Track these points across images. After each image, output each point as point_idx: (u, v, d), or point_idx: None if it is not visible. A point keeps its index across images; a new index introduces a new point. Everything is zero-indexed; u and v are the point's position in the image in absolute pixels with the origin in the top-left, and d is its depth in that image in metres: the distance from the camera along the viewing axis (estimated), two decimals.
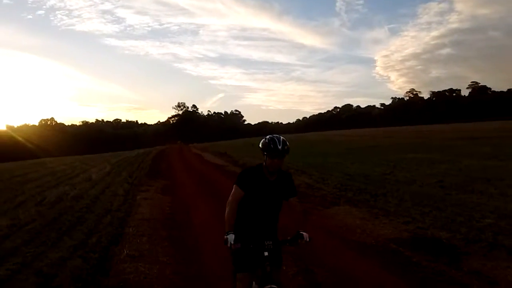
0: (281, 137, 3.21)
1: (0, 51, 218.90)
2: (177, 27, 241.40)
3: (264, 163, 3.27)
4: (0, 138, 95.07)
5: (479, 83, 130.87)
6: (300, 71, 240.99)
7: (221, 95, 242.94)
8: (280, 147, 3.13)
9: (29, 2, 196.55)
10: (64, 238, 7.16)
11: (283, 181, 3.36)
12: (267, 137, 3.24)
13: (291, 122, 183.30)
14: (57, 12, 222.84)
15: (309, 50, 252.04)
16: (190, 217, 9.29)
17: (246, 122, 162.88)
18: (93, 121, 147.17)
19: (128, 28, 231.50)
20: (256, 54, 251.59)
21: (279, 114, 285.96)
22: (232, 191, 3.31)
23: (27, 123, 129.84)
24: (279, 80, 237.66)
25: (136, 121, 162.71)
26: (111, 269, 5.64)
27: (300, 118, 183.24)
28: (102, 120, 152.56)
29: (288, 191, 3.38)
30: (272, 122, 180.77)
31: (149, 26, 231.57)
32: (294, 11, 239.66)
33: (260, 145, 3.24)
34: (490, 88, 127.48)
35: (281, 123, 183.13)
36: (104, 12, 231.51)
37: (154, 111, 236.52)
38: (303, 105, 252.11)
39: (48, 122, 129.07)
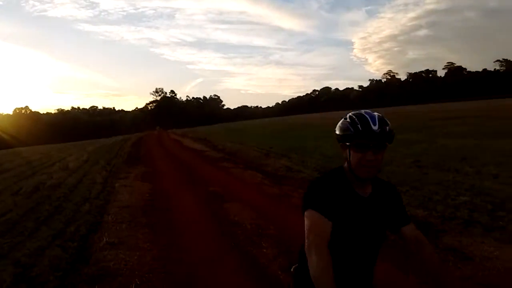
0: (376, 113, 1.81)
1: None
2: (153, 11, 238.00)
3: (346, 164, 1.86)
4: None
5: (455, 64, 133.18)
6: (278, 55, 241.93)
7: (199, 80, 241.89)
8: (376, 128, 1.72)
9: None
10: (42, 228, 7.07)
11: (385, 197, 1.91)
12: (350, 114, 1.86)
13: (271, 106, 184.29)
14: None
15: (288, 33, 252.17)
16: (170, 203, 9.24)
17: (225, 107, 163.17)
18: (69, 108, 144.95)
19: (102, 13, 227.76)
20: (234, 38, 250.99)
21: (258, 98, 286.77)
22: (308, 224, 1.77)
23: (1, 113, 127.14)
24: (258, 64, 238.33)
25: (113, 108, 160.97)
26: (91, 257, 5.59)
27: (280, 102, 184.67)
28: (78, 107, 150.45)
29: (396, 215, 1.93)
30: (251, 107, 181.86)
31: (124, 11, 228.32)
32: None
33: (336, 131, 1.86)
34: (465, 69, 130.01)
35: (261, 107, 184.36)
36: None
37: (131, 97, 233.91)
38: (282, 89, 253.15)
39: (23, 111, 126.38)
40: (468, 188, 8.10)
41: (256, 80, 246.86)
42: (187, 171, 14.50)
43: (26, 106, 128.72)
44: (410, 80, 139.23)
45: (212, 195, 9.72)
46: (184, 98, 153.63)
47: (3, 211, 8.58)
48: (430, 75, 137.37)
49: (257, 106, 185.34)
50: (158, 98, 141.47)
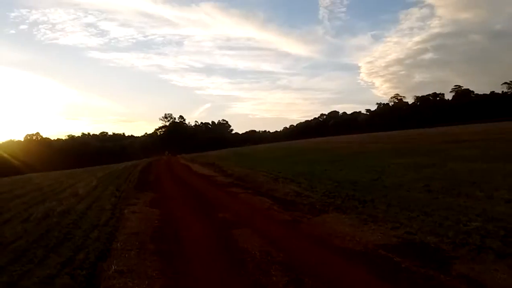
0: None
1: None
2: (162, 38, 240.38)
3: None
4: None
5: (462, 87, 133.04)
6: (286, 79, 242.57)
7: (208, 105, 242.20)
8: None
9: (11, 17, 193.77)
10: (51, 255, 7.07)
11: None
12: None
13: (279, 130, 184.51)
14: (40, 26, 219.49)
15: (294, 58, 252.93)
16: (178, 230, 9.23)
17: (233, 132, 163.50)
18: (79, 134, 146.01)
19: (112, 41, 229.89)
20: (241, 64, 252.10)
21: (266, 123, 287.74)
22: None
23: (12, 139, 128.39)
24: (265, 89, 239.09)
25: (123, 133, 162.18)
26: (100, 285, 5.58)
27: (288, 126, 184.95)
28: (88, 133, 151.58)
29: None
30: (259, 131, 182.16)
31: (133, 38, 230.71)
32: (278, 20, 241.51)
33: None
34: (473, 91, 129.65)
35: (269, 131, 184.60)
36: (88, 25, 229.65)
37: (141, 123, 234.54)
38: (290, 113, 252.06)
39: (34, 137, 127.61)
40: (480, 213, 8.00)
41: (264, 105, 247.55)
42: (196, 196, 14.50)
43: (37, 132, 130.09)
44: (418, 103, 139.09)
45: (221, 221, 9.70)
46: (192, 123, 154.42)
47: (13, 238, 8.60)
48: (438, 98, 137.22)
49: (265, 131, 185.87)
50: (167, 123, 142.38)
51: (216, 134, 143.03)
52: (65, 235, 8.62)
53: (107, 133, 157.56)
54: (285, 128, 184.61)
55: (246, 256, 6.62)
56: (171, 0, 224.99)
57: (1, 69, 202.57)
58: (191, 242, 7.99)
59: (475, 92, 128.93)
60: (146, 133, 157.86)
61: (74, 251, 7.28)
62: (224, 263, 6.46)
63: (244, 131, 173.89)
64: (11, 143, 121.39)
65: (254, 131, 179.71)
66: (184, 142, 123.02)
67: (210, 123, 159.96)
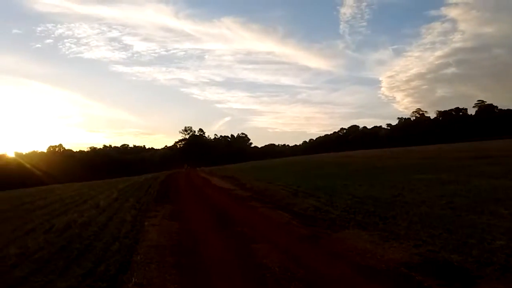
0: None
1: (9, 79, 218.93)
2: (183, 52, 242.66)
3: None
4: (9, 165, 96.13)
5: (486, 102, 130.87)
6: (305, 93, 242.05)
7: (227, 118, 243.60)
8: None
9: (37, 31, 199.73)
10: (72, 267, 7.17)
11: None
12: None
13: (298, 144, 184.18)
14: (65, 40, 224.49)
15: (314, 72, 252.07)
16: (198, 243, 9.24)
17: (253, 145, 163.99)
18: (101, 146, 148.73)
19: (135, 55, 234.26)
20: (261, 78, 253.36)
21: (285, 137, 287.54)
22: None
23: (36, 150, 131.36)
24: (285, 103, 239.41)
25: (144, 146, 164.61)
26: None
27: (307, 140, 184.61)
28: (110, 145, 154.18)
29: None
30: (279, 145, 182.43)
31: (155, 53, 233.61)
32: (298, 35, 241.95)
33: None
34: (496, 107, 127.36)
35: (288, 145, 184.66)
36: (112, 39, 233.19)
37: (161, 136, 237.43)
38: (310, 127, 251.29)
39: (56, 149, 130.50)
40: (504, 232, 7.81)
41: (283, 119, 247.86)
42: (214, 210, 14.52)
43: (60, 144, 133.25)
44: (440, 118, 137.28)
45: (240, 235, 9.68)
46: (212, 137, 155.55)
47: (35, 248, 8.76)
48: (460, 113, 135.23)
49: (284, 144, 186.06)
50: (187, 136, 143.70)
51: (235, 148, 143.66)
52: (86, 247, 8.74)
53: (128, 145, 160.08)
54: (305, 142, 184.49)
55: (265, 272, 6.59)
56: (193, 15, 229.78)
57: (26, 82, 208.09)
58: (210, 256, 7.98)
59: (499, 107, 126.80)
60: (166, 146, 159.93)
61: (95, 263, 7.37)
62: (243, 278, 6.43)
63: (263, 145, 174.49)
64: (34, 154, 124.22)
65: (273, 144, 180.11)
66: (203, 155, 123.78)
67: (230, 136, 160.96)
